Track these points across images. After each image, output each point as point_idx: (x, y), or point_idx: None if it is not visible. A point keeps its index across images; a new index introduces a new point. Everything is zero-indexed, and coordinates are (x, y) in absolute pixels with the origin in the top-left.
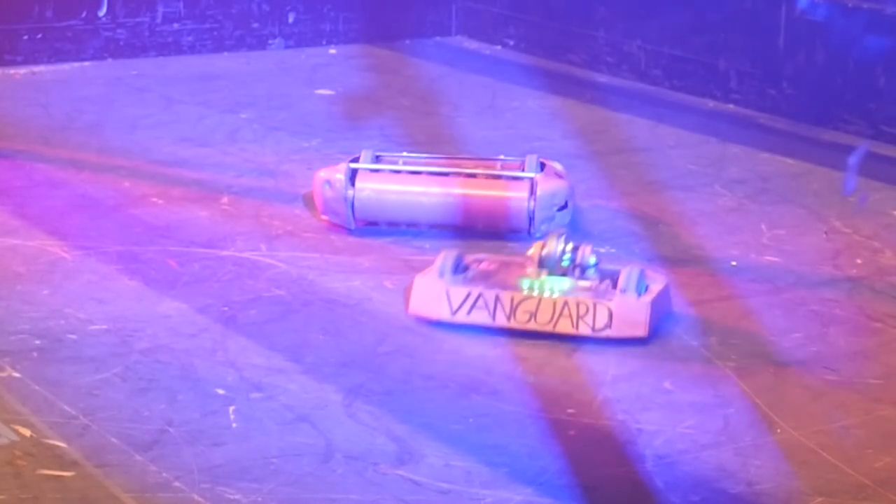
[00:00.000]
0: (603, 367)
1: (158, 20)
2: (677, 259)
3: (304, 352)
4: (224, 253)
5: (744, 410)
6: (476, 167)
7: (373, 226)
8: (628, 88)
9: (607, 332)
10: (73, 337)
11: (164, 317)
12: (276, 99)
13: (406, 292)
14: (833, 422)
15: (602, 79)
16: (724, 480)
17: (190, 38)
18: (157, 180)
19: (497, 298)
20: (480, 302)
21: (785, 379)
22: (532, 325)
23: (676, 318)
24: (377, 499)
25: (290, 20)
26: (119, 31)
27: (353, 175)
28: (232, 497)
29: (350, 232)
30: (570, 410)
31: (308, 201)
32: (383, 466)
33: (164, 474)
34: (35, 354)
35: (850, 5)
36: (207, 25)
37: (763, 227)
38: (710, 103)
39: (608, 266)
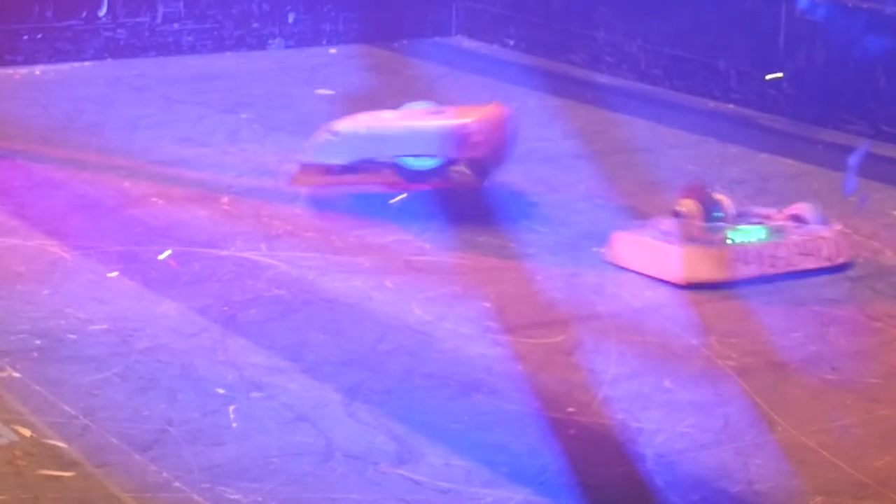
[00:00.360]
0: (603, 366)
1: (158, 20)
2: None
3: (305, 351)
4: (224, 253)
5: (744, 409)
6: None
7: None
8: (628, 88)
9: (840, 260)
10: (73, 337)
11: (164, 316)
12: (276, 99)
13: (665, 261)
14: (833, 421)
15: (602, 79)
16: (724, 479)
17: (190, 38)
18: (157, 180)
19: (745, 252)
20: (741, 257)
21: (785, 378)
22: (778, 269)
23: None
24: (377, 498)
25: (290, 20)
26: (119, 31)
27: None
28: (232, 497)
29: (350, 231)
30: (570, 409)
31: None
32: (383, 466)
33: (164, 474)
34: (35, 354)
35: (850, 5)
36: (207, 25)
37: None
38: (710, 103)
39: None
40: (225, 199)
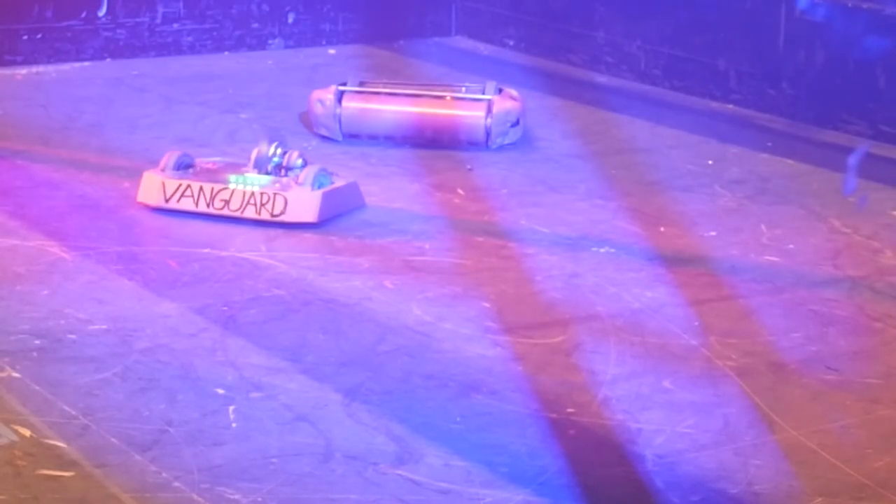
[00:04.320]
0: (603, 367)
1: (158, 20)
2: (677, 259)
3: (304, 351)
4: (224, 253)
5: (744, 410)
6: (444, 91)
7: (355, 138)
8: (628, 88)
9: (282, 217)
10: (73, 337)
11: (164, 317)
12: (275, 99)
13: (136, 186)
14: (833, 421)
15: (602, 79)
16: (724, 480)
17: (190, 38)
18: None
19: (201, 189)
20: (188, 191)
21: (785, 379)
22: (226, 212)
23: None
24: (377, 499)
25: (290, 20)
26: (119, 31)
27: (340, 95)
28: (232, 497)
29: (350, 231)
30: (569, 410)
31: None
32: (383, 466)
33: (164, 474)
34: (35, 354)
35: (850, 5)
36: (207, 25)
37: (763, 227)
38: (711, 103)
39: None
40: None
